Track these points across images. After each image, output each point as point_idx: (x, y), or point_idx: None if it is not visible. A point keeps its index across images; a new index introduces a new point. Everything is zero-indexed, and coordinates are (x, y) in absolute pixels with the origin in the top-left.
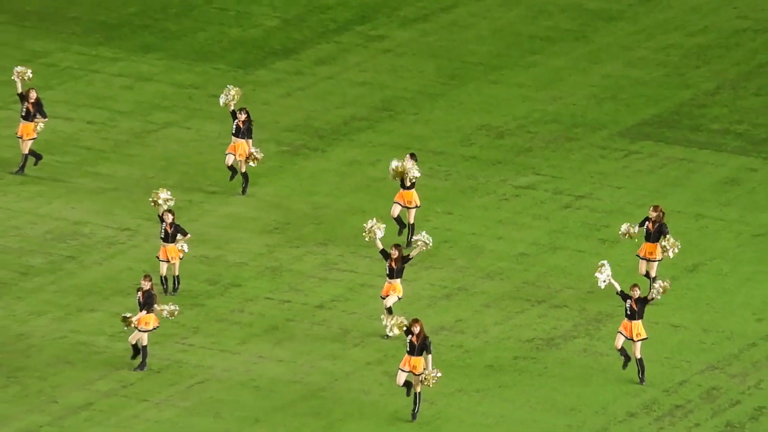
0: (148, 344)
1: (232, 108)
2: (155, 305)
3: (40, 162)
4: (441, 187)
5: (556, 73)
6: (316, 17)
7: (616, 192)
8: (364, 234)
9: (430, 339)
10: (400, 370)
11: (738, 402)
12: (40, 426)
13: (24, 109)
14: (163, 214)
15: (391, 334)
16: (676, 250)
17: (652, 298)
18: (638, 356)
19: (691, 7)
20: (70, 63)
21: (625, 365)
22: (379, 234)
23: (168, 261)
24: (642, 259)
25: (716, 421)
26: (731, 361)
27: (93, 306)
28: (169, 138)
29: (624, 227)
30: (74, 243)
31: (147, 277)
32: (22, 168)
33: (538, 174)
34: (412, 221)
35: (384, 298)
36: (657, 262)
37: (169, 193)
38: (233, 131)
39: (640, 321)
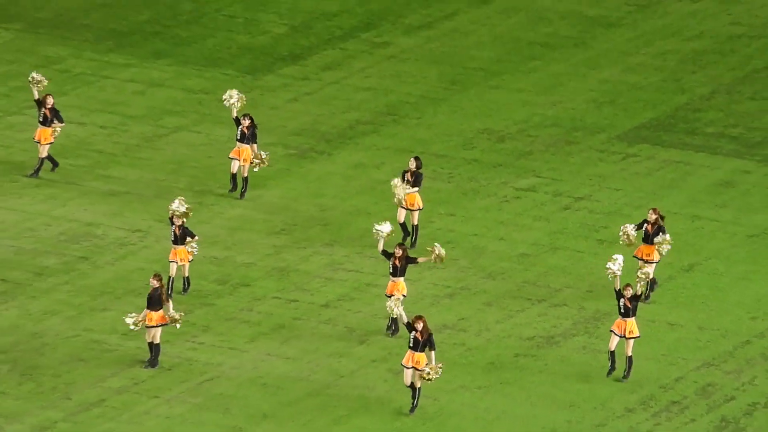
0: (161, 342)
1: (235, 115)
2: (168, 304)
3: (54, 169)
4: (444, 190)
5: (556, 79)
6: (322, 24)
7: (614, 194)
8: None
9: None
10: (405, 368)
11: (733, 398)
12: (54, 422)
13: (41, 115)
14: (173, 218)
15: (393, 313)
16: (668, 247)
17: (642, 294)
18: (629, 354)
19: (687, 13)
20: (83, 69)
21: (609, 373)
22: (386, 229)
23: (177, 262)
24: (639, 260)
25: (711, 416)
26: (726, 358)
27: (105, 305)
28: (179, 142)
29: (627, 231)
30: (87, 244)
31: (156, 276)
32: (36, 171)
33: (539, 176)
34: (415, 223)
35: (389, 297)
36: (654, 264)
37: (184, 206)
38: (238, 137)
39: (633, 319)
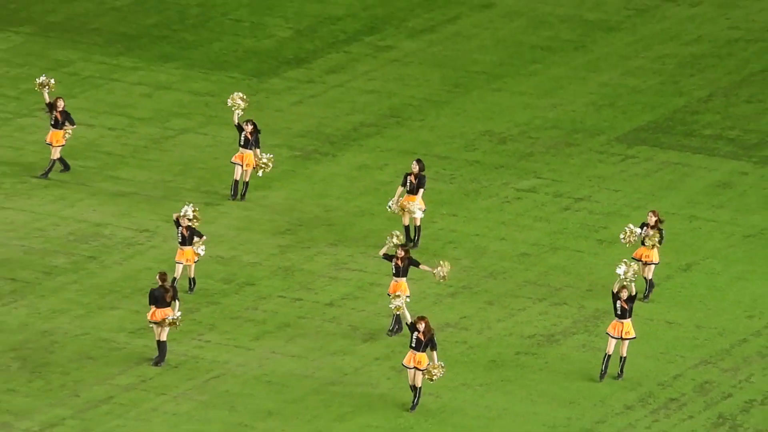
0: (167, 340)
1: (237, 122)
2: (174, 302)
3: (65, 172)
4: (446, 191)
5: (556, 82)
6: (327, 28)
7: (613, 195)
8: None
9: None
10: (407, 368)
11: (730, 395)
12: (63, 419)
13: (53, 118)
14: (179, 219)
15: (394, 306)
16: (655, 240)
17: (638, 294)
18: (623, 355)
19: (685, 18)
20: (92, 72)
21: (602, 377)
22: (395, 241)
23: (183, 263)
24: (638, 261)
25: (709, 413)
26: (723, 356)
27: (113, 304)
28: (186, 144)
29: (632, 231)
30: (95, 244)
31: (161, 274)
32: (47, 172)
33: (539, 177)
34: (418, 224)
35: (391, 296)
36: (654, 265)
37: (191, 211)
38: (241, 142)
39: (629, 320)
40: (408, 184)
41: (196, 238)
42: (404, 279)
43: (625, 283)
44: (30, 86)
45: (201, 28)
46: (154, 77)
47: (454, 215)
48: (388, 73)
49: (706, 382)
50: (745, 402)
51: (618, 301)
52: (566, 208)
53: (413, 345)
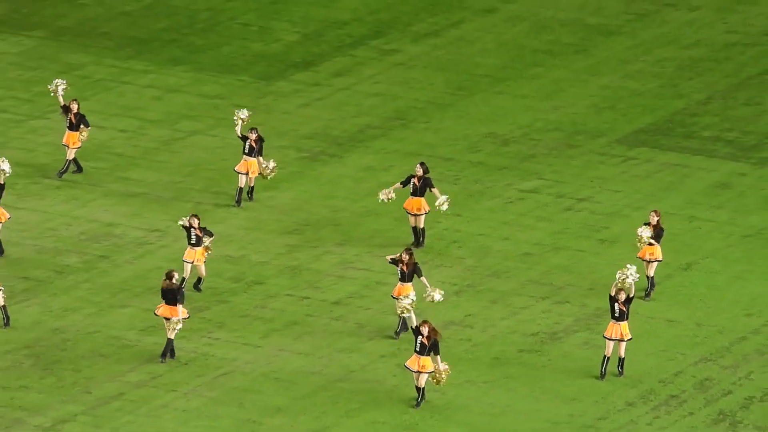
0: (174, 337)
1: (240, 133)
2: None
3: (77, 173)
4: (450, 191)
5: (558, 85)
6: (333, 32)
7: (614, 195)
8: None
9: (439, 337)
10: (412, 371)
11: (730, 392)
12: (75, 415)
13: (68, 120)
14: (190, 219)
15: (403, 308)
16: (643, 238)
17: (634, 297)
18: (622, 355)
19: (684, 22)
20: (103, 75)
21: (602, 377)
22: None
23: (193, 263)
24: (643, 261)
25: (709, 410)
26: (723, 354)
27: (124, 302)
28: (195, 145)
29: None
30: (107, 243)
31: (167, 273)
32: (62, 172)
33: (542, 179)
34: (422, 226)
35: (395, 298)
36: (656, 263)
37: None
38: (246, 150)
39: (626, 322)
40: (412, 186)
41: (205, 237)
42: (410, 284)
43: (627, 283)
44: (42, 89)
45: (210, 32)
46: (164, 80)
47: (458, 215)
48: (394, 77)
49: (707, 379)
50: (745, 399)
51: (616, 304)
52: (568, 209)
53: (417, 349)
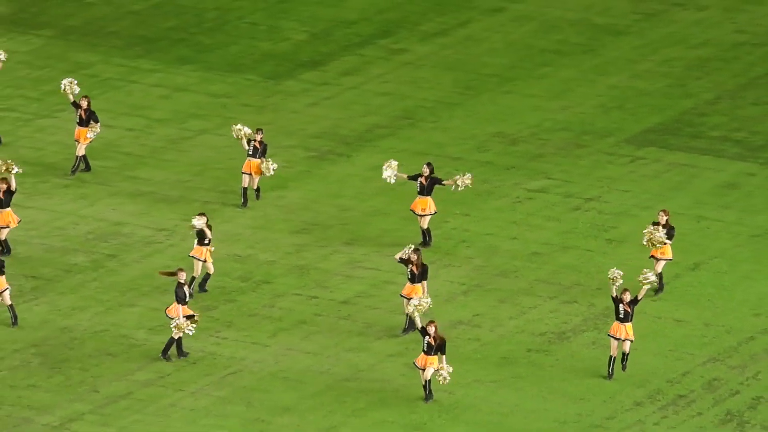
0: (175, 338)
1: (245, 144)
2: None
3: (85, 172)
4: (458, 191)
5: (566, 84)
6: (342, 32)
7: (622, 195)
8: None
9: (445, 339)
10: (419, 369)
11: (737, 392)
12: (82, 414)
13: (78, 116)
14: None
15: (412, 309)
16: (659, 238)
17: (639, 297)
18: (627, 351)
19: (692, 22)
20: (111, 74)
21: (609, 377)
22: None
23: (203, 260)
24: (655, 259)
25: (717, 410)
26: (731, 354)
27: (132, 301)
28: (203, 144)
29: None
30: (115, 242)
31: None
32: (74, 170)
33: (550, 178)
34: (425, 226)
35: (403, 297)
36: (664, 261)
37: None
38: (250, 152)
39: (630, 323)
40: (419, 185)
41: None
42: (419, 285)
43: (617, 282)
44: (51, 88)
45: (218, 31)
46: (172, 79)
47: (466, 215)
48: (402, 76)
49: (714, 379)
50: (753, 399)
51: (620, 305)
52: (576, 208)
53: (425, 349)
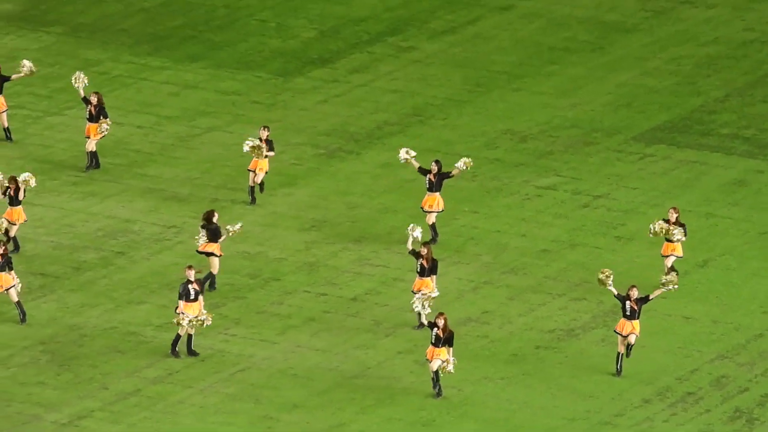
0: (184, 333)
1: (249, 150)
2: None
3: (95, 170)
4: (467, 188)
5: (575, 82)
6: (351, 29)
7: (631, 192)
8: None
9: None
10: (428, 362)
11: (746, 389)
12: (92, 411)
13: (87, 112)
14: (209, 215)
15: (417, 309)
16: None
17: (649, 296)
18: (632, 342)
19: (702, 19)
20: (121, 71)
21: (618, 374)
22: (416, 234)
23: (219, 255)
24: (664, 257)
25: (725, 407)
26: (739, 351)
27: (141, 299)
28: (212, 142)
29: (657, 227)
30: (124, 240)
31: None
32: (89, 166)
33: (559, 175)
34: (432, 222)
35: (414, 293)
36: (674, 257)
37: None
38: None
39: (638, 321)
40: (428, 182)
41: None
42: (429, 278)
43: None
44: (60, 85)
45: (227, 28)
46: (181, 77)
47: (475, 212)
48: (411, 73)
49: (723, 377)
50: (762, 396)
51: (627, 302)
52: (585, 206)
53: (433, 341)
